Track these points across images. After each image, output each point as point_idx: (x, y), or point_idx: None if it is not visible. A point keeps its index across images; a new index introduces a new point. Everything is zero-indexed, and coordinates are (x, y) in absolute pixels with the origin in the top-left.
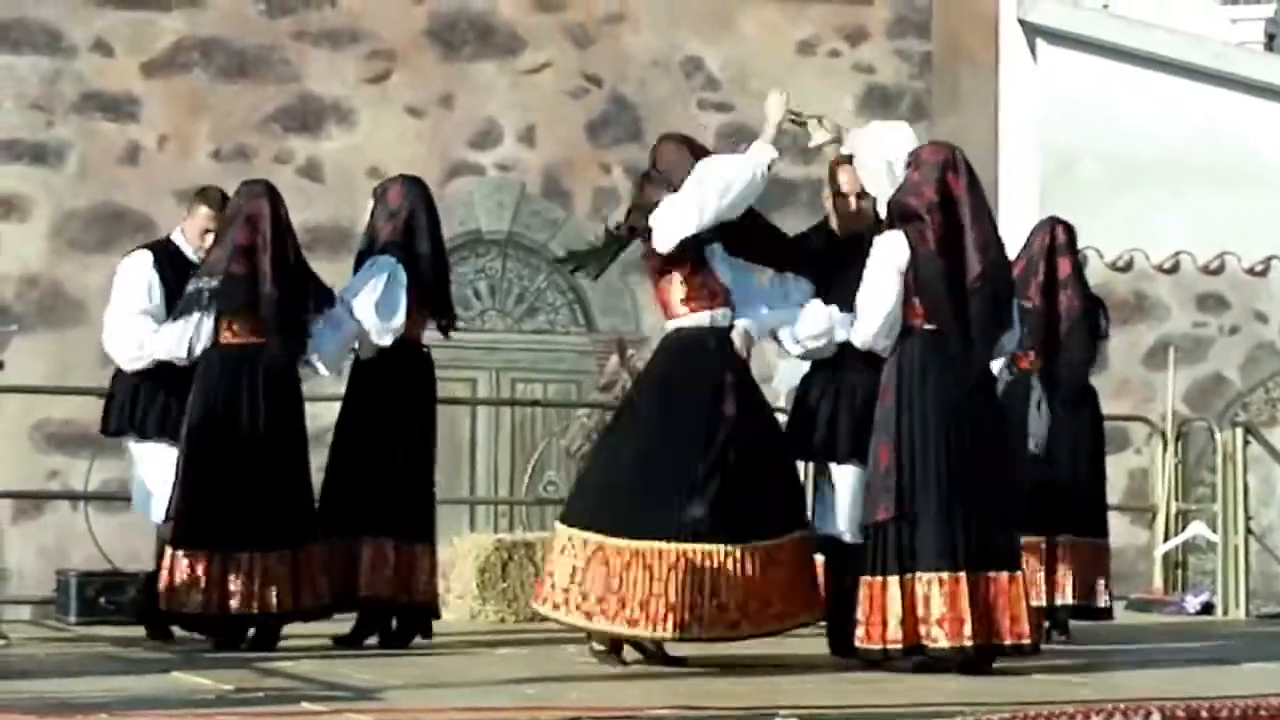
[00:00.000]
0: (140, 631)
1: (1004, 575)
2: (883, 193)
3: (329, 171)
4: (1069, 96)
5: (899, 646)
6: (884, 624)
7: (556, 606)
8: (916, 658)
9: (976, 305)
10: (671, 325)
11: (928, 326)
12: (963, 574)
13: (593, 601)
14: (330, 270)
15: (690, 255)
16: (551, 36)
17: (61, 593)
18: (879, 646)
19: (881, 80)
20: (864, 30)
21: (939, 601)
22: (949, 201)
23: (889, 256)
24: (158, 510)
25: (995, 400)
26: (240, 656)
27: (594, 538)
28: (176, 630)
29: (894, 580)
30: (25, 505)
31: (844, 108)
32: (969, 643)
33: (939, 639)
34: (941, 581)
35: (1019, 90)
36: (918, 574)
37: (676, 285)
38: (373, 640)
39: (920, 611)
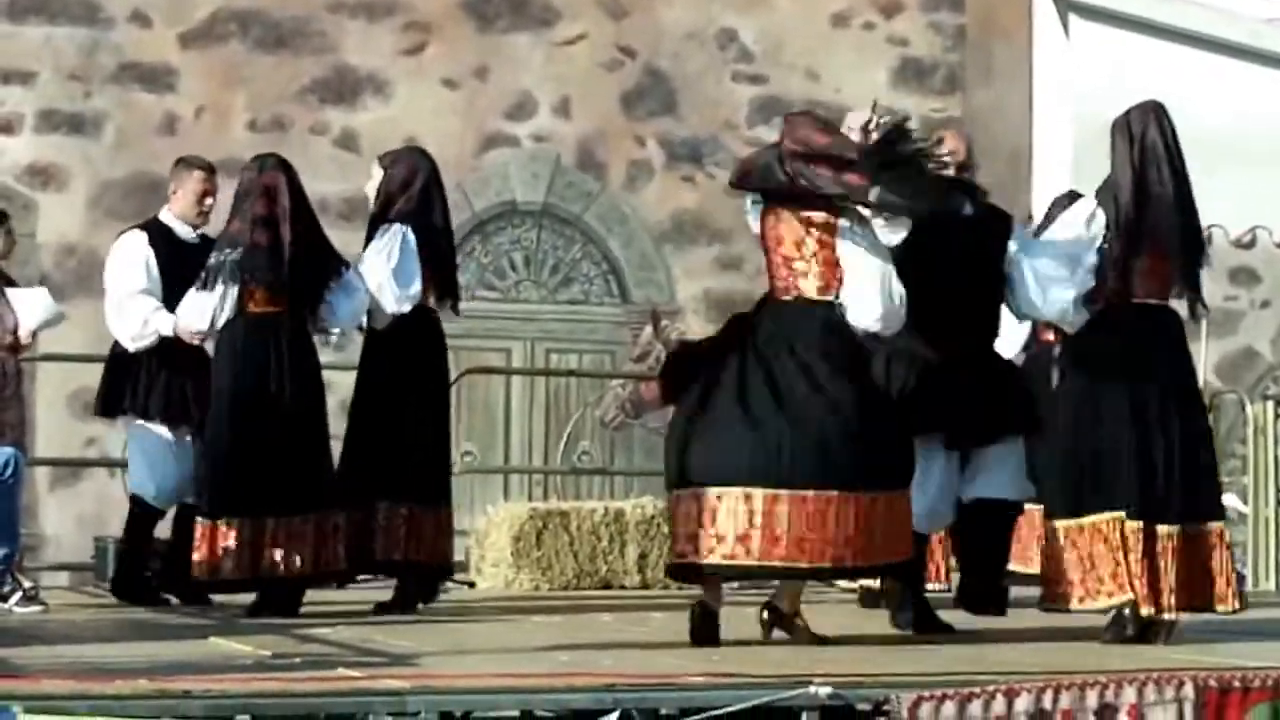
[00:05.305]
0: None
1: None
2: None
3: (365, 143)
4: (1102, 71)
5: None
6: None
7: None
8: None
9: None
10: None
11: None
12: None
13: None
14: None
15: None
16: (586, 9)
17: (99, 559)
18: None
19: (915, 53)
20: (898, 3)
21: None
22: None
23: None
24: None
25: None
26: (278, 623)
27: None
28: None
29: None
30: (63, 473)
31: (878, 81)
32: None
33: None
34: None
35: (1052, 64)
36: None
37: None
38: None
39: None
